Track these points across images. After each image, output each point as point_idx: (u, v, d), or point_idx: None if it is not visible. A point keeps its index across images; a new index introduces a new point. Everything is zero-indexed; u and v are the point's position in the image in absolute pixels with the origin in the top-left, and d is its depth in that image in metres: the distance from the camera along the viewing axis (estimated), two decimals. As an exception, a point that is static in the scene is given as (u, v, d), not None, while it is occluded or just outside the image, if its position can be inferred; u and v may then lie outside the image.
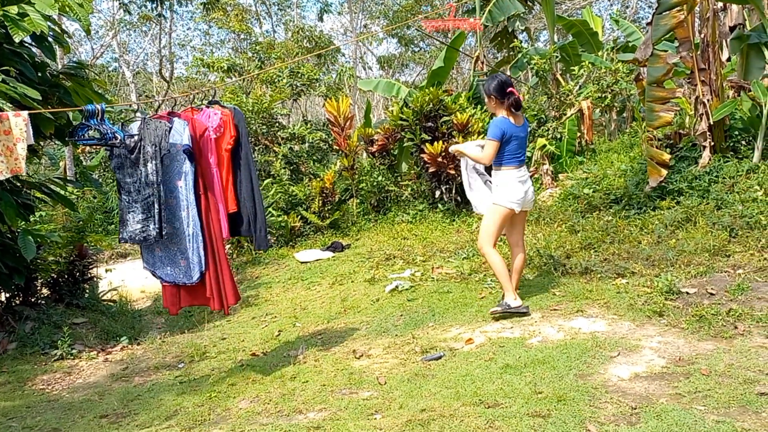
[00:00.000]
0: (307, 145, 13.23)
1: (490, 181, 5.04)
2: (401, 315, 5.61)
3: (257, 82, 15.38)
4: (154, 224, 4.17)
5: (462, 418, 3.34)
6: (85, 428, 3.84)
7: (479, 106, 9.91)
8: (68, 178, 11.02)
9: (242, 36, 24.50)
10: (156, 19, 20.32)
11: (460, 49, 11.67)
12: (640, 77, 8.24)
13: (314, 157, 13.41)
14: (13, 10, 5.66)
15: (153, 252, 4.39)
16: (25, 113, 3.90)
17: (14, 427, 3.93)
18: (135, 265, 11.04)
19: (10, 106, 5.41)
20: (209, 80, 24.09)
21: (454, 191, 9.20)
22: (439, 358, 4.36)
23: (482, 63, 11.12)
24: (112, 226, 15.05)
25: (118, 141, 4.20)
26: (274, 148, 12.46)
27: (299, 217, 10.57)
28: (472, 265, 6.63)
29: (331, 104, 11.31)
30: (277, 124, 13.23)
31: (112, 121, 4.48)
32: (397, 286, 6.42)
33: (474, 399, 3.56)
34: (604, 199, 7.34)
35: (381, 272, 7.21)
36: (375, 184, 10.47)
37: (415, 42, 26.59)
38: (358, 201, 10.83)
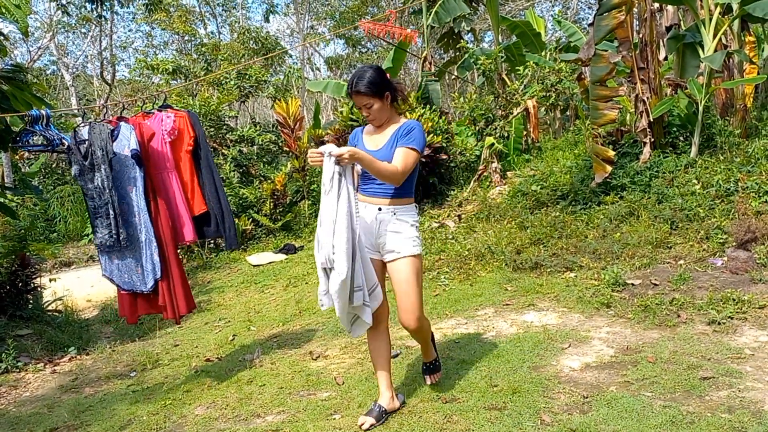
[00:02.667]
0: (256, 147, 13.10)
1: (358, 215, 3.12)
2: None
3: (204, 85, 15.15)
4: (112, 230, 4.09)
5: (420, 414, 3.39)
6: (35, 442, 3.73)
7: (428, 106, 10.01)
8: (6, 185, 10.62)
9: (186, 37, 24.06)
10: (96, 20, 19.76)
11: (408, 50, 11.76)
12: (582, 76, 8.48)
13: (264, 159, 13.29)
14: (-54, 11, 5.44)
15: (111, 259, 4.29)
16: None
17: (-42, 445, 3.79)
18: (79, 273, 10.72)
19: (-55, 111, 5.20)
20: (153, 83, 23.58)
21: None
22: (396, 356, 4.39)
23: (429, 63, 11.22)
24: (54, 234, 14.55)
25: (65, 147, 4.09)
26: (223, 151, 12.30)
27: (250, 220, 10.46)
28: (426, 263, 6.69)
29: (281, 106, 11.24)
30: (225, 127, 13.07)
31: (59, 127, 4.36)
32: (351, 287, 6.42)
33: (431, 395, 3.61)
34: (552, 195, 7.52)
35: (335, 273, 7.20)
36: (326, 185, 10.43)
37: (363, 43, 26.63)
38: (310, 202, 10.80)
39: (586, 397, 3.39)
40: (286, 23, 30.47)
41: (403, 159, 3.10)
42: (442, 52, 16.32)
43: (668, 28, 8.56)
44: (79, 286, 9.23)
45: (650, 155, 7.23)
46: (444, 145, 9.34)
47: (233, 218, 4.68)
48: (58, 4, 18.16)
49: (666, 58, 9.15)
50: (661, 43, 8.92)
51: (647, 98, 7.26)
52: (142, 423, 3.82)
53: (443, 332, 4.76)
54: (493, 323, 4.77)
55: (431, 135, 9.07)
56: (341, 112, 10.27)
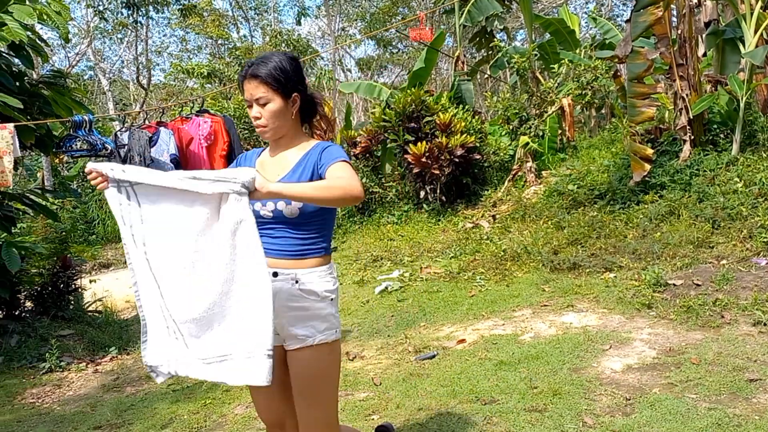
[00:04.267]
0: (289, 149, 13.16)
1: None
2: (392, 315, 5.62)
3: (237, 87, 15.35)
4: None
5: (459, 415, 3.36)
6: (80, 440, 3.81)
7: (461, 106, 9.96)
8: (47, 188, 10.89)
9: (220, 41, 24.39)
10: (132, 25, 20.15)
11: (440, 50, 11.72)
12: (618, 74, 8.34)
13: (297, 161, 13.37)
14: (-9, 19, 5.60)
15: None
16: (11, 126, 3.87)
17: (6, 442, 3.89)
18: (118, 275, 10.92)
19: (-10, 116, 5.35)
20: (187, 86, 23.95)
21: (438, 191, 9.23)
22: (433, 357, 4.38)
23: (462, 63, 11.17)
24: (93, 236, 14.88)
25: (108, 151, 4.19)
26: (257, 153, 12.42)
27: (284, 221, 10.53)
28: (461, 264, 6.66)
29: (313, 107, 11.28)
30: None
31: (100, 132, 4.46)
32: (386, 287, 6.43)
33: (470, 396, 3.59)
34: (589, 194, 7.41)
35: (369, 274, 7.22)
36: (359, 186, 10.47)
37: (393, 44, 26.65)
38: (343, 203, 10.81)
39: (629, 399, 3.33)
40: (317, 25, 30.66)
41: (344, 172, 2.07)
42: (474, 51, 16.24)
43: (707, 24, 8.37)
44: (118, 287, 9.40)
45: (690, 153, 7.08)
46: (477, 144, 9.28)
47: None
48: (95, 11, 18.57)
49: (705, 54, 8.95)
50: (700, 39, 8.72)
51: (686, 95, 7.11)
52: (183, 422, 3.87)
53: (480, 333, 4.72)
54: (531, 324, 4.72)
55: (464, 135, 9.02)
56: (374, 113, 10.28)
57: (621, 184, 7.24)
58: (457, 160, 8.90)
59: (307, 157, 2.19)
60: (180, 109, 4.86)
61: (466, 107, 10.12)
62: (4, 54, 6.32)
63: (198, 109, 4.71)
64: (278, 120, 2.17)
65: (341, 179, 2.02)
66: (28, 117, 6.20)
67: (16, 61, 6.54)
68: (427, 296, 5.97)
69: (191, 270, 1.95)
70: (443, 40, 12.23)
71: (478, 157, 9.29)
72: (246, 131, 12.51)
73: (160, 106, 5.10)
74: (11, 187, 4.97)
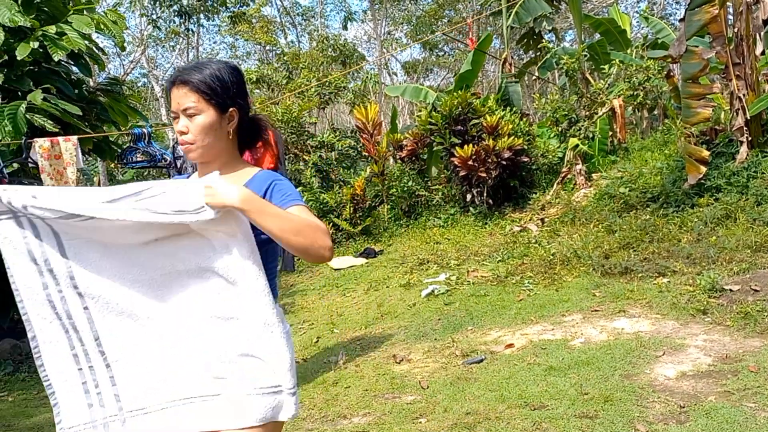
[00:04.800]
0: (336, 152, 13.31)
1: None
2: (439, 319, 5.61)
3: (285, 92, 15.54)
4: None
5: (508, 420, 3.33)
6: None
7: (508, 108, 9.87)
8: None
9: (267, 47, 24.77)
10: (183, 33, 20.66)
11: (487, 52, 11.65)
12: (671, 74, 8.14)
13: (344, 165, 13.47)
14: (52, 29, 5.83)
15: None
16: (74, 138, 4.00)
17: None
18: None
19: (51, 123, 5.57)
20: (237, 92, 24.36)
21: (485, 194, 9.17)
22: (481, 361, 4.35)
23: (510, 65, 11.08)
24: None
25: (167, 162, 4.32)
26: (304, 157, 12.56)
27: (331, 224, 10.63)
28: (508, 268, 6.60)
29: (360, 111, 11.36)
30: (306, 133, 13.34)
31: (156, 139, 4.60)
32: (433, 291, 6.42)
33: (519, 401, 3.55)
34: (641, 197, 7.25)
35: (416, 277, 7.22)
36: (405, 189, 10.48)
37: (439, 46, 26.60)
38: (389, 207, 10.86)
39: (683, 407, 3.24)
40: (363, 29, 30.85)
41: (309, 216, 1.68)
42: (522, 52, 16.08)
43: (765, 21, 8.08)
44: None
45: (747, 155, 6.85)
46: (525, 147, 9.19)
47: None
48: (149, 19, 19.12)
49: (764, 53, 8.64)
50: (758, 37, 8.42)
51: (743, 95, 6.89)
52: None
53: (529, 338, 4.67)
54: (582, 329, 4.64)
55: (512, 137, 8.94)
56: (420, 116, 10.28)
57: (675, 186, 7.06)
58: (504, 162, 8.82)
59: (251, 188, 1.71)
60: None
61: (514, 109, 10.04)
62: (63, 63, 6.58)
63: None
64: (209, 136, 1.75)
65: (309, 228, 1.60)
66: (86, 123, 6.44)
67: (75, 69, 6.80)
68: (474, 300, 5.94)
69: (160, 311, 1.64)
70: (490, 42, 12.15)
71: (525, 159, 9.20)
72: (293, 135, 12.67)
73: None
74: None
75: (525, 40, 13.00)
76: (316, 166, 12.19)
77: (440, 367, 4.39)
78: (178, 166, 4.35)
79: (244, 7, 20.92)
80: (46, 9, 6.24)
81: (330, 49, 21.00)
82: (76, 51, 6.12)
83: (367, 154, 11.60)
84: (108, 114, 6.84)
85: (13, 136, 5.11)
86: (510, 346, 4.57)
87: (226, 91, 1.76)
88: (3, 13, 5.58)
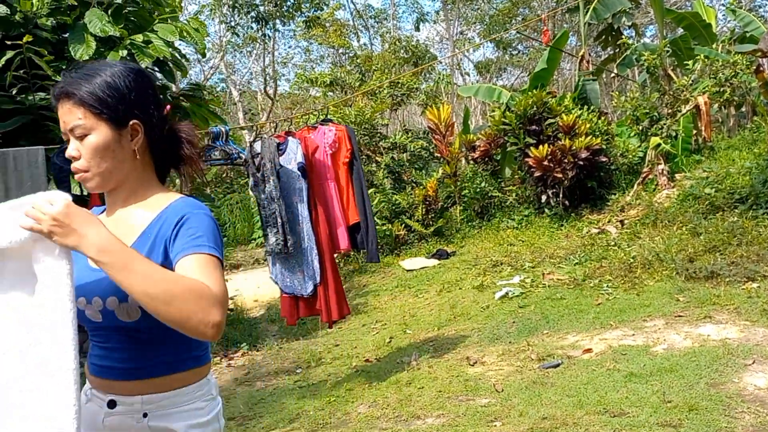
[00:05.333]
0: (408, 153, 13.33)
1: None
2: (513, 322, 5.52)
3: (359, 95, 15.70)
4: (280, 238, 4.37)
5: (586, 426, 3.24)
6: None
7: (585, 107, 9.61)
8: (184, 193, 11.70)
9: (341, 50, 25.09)
10: (260, 39, 21.22)
11: (563, 50, 11.38)
12: (761, 69, 7.72)
13: (416, 166, 13.47)
14: (139, 38, 6.11)
15: (277, 264, 4.61)
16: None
17: None
18: (247, 275, 11.52)
19: (139, 127, 5.83)
20: (310, 95, 24.82)
21: (561, 195, 8.96)
22: (557, 365, 4.25)
23: (587, 62, 10.78)
24: (225, 238, 15.79)
25: (242, 160, 4.45)
26: (377, 158, 12.64)
27: (403, 225, 10.64)
28: (586, 271, 6.42)
29: (432, 112, 11.34)
30: (378, 134, 13.43)
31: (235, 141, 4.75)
32: (507, 293, 6.32)
33: (598, 407, 3.45)
34: (728, 198, 6.91)
35: (489, 279, 7.13)
36: (478, 190, 10.38)
37: (513, 45, 26.20)
38: (462, 208, 10.78)
39: (778, 420, 3.06)
40: (435, 30, 30.75)
41: (207, 274, 1.30)
42: (599, 49, 15.63)
43: None
44: (247, 286, 9.90)
45: None
46: (604, 147, 8.91)
47: (375, 232, 4.81)
48: (227, 26, 19.73)
49: None
50: None
51: (844, 89, 6.46)
52: (309, 417, 4.01)
53: (608, 343, 4.53)
54: (664, 335, 4.46)
55: (589, 137, 8.70)
56: (493, 116, 10.16)
57: (765, 187, 6.68)
58: (581, 163, 8.59)
59: (161, 223, 1.40)
60: (305, 118, 5.07)
61: (591, 108, 9.76)
62: (149, 70, 6.87)
63: (323, 118, 4.90)
64: (106, 160, 1.39)
65: (190, 295, 1.22)
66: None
67: (160, 76, 7.09)
68: (550, 303, 5.81)
69: None
70: (566, 40, 11.87)
71: (604, 159, 8.93)
72: (366, 137, 12.78)
73: (286, 115, 5.33)
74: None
75: (603, 37, 12.64)
76: (389, 168, 12.25)
77: (515, 371, 4.32)
78: (256, 164, 4.47)
79: (319, 11, 21.26)
80: (133, 19, 6.54)
81: (402, 51, 21.06)
82: (161, 58, 6.38)
83: (439, 155, 11.56)
84: (190, 118, 7.10)
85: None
86: (588, 350, 4.44)
87: (121, 100, 1.39)
88: (95, 23, 5.88)
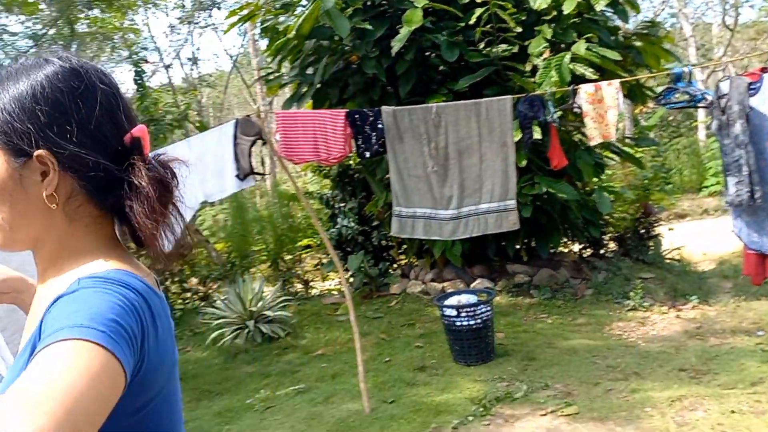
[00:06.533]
0: None
1: None
2: None
3: None
4: (745, 188, 3.95)
5: None
6: (665, 377, 3.95)
7: None
8: (627, 136, 11.38)
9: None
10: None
11: None
12: None
13: None
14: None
15: (741, 217, 4.18)
16: (616, 82, 4.14)
17: (598, 364, 4.35)
18: (692, 226, 10.77)
19: (591, 71, 5.88)
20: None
21: None
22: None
23: None
24: (670, 185, 14.94)
25: (707, 102, 4.13)
26: None
27: None
28: None
29: None
30: None
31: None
32: None
33: None
34: None
35: None
36: None
37: None
38: None
39: None
40: None
41: (42, 368, 0.69)
42: None
43: None
44: (693, 238, 9.24)
45: None
46: None
47: None
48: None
49: None
50: None
51: None
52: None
53: None
54: None
55: None
56: None
57: None
58: None
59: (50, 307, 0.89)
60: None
61: None
62: (602, 11, 6.83)
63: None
64: (3, 208, 0.89)
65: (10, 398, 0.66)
66: (622, 68, 6.58)
67: (613, 16, 6.99)
68: None
69: None
70: None
71: None
72: None
73: (747, 48, 4.69)
74: (614, 140, 5.39)
75: None
76: None
77: None
78: (722, 105, 4.05)
79: None
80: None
81: None
82: (617, -1, 6.27)
83: None
84: (642, 58, 6.84)
85: (559, 85, 5.59)
86: None
87: (26, 119, 0.87)
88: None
